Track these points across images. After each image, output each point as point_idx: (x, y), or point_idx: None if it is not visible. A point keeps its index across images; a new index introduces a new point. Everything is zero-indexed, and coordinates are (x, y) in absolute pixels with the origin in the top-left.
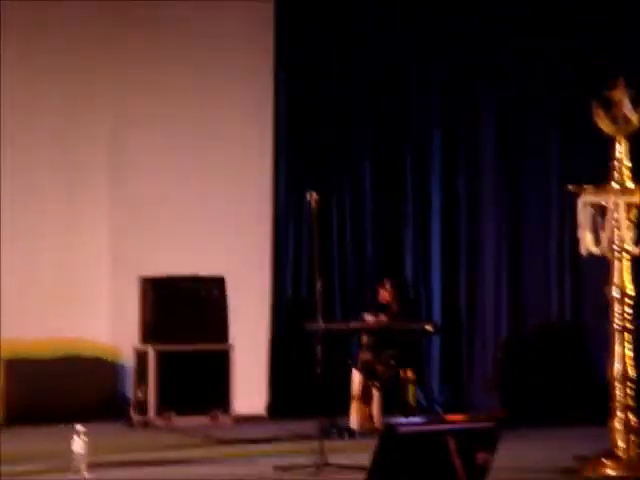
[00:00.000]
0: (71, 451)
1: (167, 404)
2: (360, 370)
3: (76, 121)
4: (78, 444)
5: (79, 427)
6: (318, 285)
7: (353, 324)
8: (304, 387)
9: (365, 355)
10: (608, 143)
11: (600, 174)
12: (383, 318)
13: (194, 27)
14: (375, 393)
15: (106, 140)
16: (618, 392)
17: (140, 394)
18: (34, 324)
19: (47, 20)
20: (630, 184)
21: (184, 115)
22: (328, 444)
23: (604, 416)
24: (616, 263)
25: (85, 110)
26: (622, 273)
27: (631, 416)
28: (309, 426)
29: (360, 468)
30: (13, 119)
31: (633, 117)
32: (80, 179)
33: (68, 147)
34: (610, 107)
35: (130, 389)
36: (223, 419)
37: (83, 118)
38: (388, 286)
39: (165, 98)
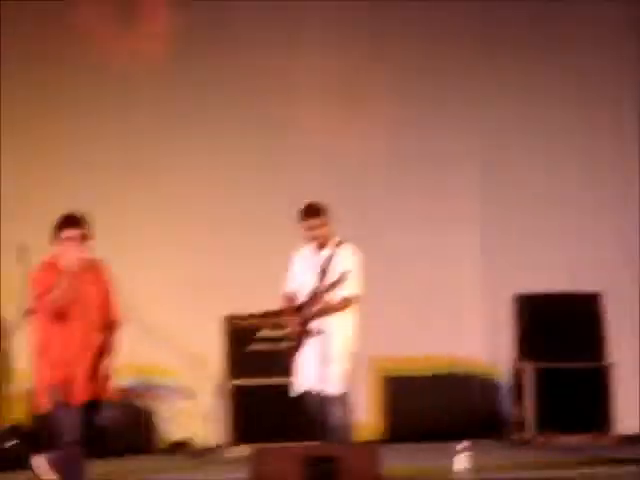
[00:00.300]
0: (453, 469)
1: (546, 422)
2: None
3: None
4: (461, 462)
5: (462, 444)
6: None
7: None
8: None
9: None
10: None
11: None
12: None
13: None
14: None
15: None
16: None
17: (519, 412)
18: (410, 341)
19: None
20: None
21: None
22: None
23: None
24: None
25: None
26: None
27: None
28: None
29: None
30: None
31: None
32: (451, 198)
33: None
34: None
35: (507, 406)
36: (605, 438)
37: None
38: None
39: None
